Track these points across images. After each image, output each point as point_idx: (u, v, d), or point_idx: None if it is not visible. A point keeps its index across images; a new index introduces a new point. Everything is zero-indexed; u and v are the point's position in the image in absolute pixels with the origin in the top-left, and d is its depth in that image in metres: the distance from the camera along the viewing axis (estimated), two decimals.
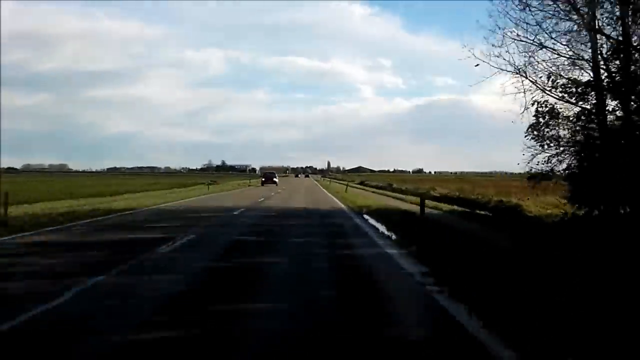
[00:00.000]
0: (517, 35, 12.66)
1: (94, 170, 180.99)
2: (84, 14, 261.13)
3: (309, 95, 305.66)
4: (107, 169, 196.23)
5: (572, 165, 12.47)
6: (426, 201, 15.77)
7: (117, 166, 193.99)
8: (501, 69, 13.05)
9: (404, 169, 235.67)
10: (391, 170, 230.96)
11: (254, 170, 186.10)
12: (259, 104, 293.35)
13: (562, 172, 12.70)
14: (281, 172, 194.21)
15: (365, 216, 16.81)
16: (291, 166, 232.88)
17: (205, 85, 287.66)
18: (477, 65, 13.15)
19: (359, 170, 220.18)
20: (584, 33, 12.02)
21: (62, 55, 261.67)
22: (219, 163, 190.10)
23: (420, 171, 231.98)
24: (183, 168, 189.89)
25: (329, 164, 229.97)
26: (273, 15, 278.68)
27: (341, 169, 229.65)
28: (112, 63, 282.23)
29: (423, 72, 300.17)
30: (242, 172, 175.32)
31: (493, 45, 12.85)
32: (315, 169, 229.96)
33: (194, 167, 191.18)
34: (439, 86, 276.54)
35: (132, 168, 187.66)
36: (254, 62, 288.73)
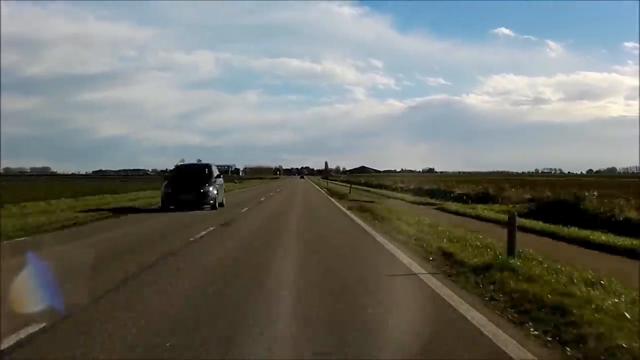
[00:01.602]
0: None
1: (79, 173, 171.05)
2: (72, 16, 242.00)
3: (302, 97, 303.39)
4: (93, 171, 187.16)
5: None
6: None
7: (104, 169, 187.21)
8: None
9: (412, 169, 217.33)
10: (398, 170, 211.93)
11: (237, 171, 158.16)
12: (252, 105, 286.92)
13: None
14: (269, 173, 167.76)
15: None
16: (283, 167, 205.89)
17: (196, 88, 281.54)
18: None
19: (362, 170, 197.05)
20: None
21: (51, 59, 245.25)
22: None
23: (431, 171, 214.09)
24: (152, 170, 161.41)
25: (326, 164, 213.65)
26: (262, 16, 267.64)
27: (341, 169, 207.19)
28: (103, 66, 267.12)
29: (415, 73, 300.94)
30: (223, 173, 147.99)
31: None
32: (313, 169, 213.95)
33: (164, 169, 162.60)
34: (431, 86, 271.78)
35: (118, 171, 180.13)
36: (245, 64, 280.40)
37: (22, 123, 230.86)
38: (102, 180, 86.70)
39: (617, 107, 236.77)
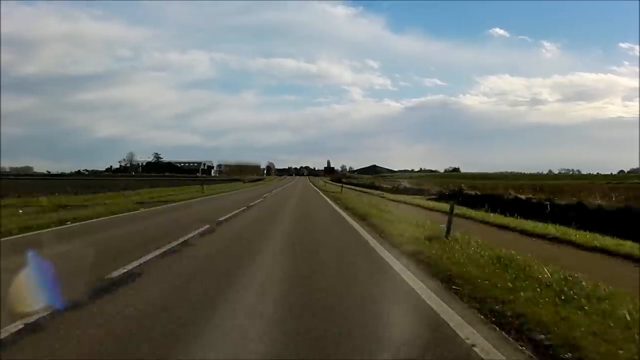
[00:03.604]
0: None
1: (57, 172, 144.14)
2: (65, 16, 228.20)
3: (299, 97, 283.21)
4: (74, 172, 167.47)
5: None
6: None
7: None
8: None
9: (433, 168, 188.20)
10: (416, 169, 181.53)
11: (209, 169, 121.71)
12: (249, 106, 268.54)
13: None
14: (256, 172, 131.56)
15: None
16: (277, 166, 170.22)
17: (193, 88, 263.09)
18: None
19: (374, 170, 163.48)
20: None
21: (44, 59, 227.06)
22: (150, 159, 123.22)
23: (455, 170, 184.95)
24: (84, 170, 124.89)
25: (329, 162, 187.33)
26: (253, 17, 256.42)
27: (348, 168, 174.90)
28: (97, 66, 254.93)
29: (411, 73, 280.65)
30: (189, 172, 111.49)
31: None
32: (314, 169, 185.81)
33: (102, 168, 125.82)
34: (428, 87, 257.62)
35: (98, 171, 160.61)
36: (240, 64, 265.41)
37: (16, 123, 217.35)
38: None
39: (614, 108, 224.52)
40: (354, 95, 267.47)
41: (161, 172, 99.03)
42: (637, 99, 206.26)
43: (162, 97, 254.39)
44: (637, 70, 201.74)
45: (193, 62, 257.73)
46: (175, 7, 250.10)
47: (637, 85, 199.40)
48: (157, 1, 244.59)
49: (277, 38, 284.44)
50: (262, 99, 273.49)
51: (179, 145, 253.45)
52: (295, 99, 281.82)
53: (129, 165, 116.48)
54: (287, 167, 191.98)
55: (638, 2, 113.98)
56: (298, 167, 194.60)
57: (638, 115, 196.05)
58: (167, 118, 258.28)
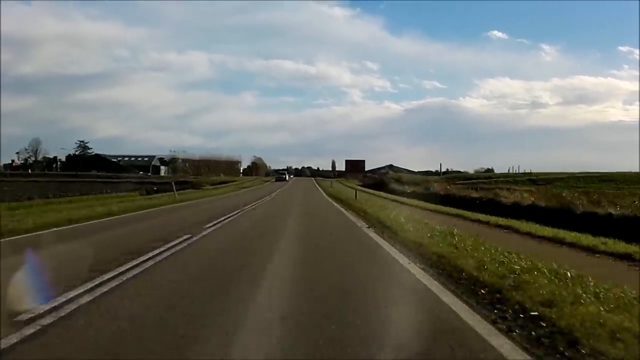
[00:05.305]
0: None
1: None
2: (60, 16, 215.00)
3: (298, 99, 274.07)
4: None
5: None
6: None
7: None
8: None
9: (460, 169, 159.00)
10: (443, 170, 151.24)
11: (157, 167, 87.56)
12: (248, 107, 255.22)
13: None
14: (227, 171, 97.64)
15: None
16: (272, 167, 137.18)
17: (192, 89, 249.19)
18: None
19: (390, 170, 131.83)
20: None
21: (42, 58, 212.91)
22: (75, 150, 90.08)
23: (489, 171, 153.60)
24: None
25: (333, 162, 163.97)
26: (251, 17, 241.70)
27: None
28: (95, 66, 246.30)
29: (410, 76, 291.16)
30: (126, 171, 78.93)
31: None
32: (318, 169, 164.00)
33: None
34: (427, 89, 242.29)
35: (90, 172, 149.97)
36: (239, 65, 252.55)
37: (15, 123, 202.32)
38: None
39: (615, 112, 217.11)
40: (354, 97, 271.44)
41: (87, 170, 67.36)
42: (637, 102, 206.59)
43: (161, 97, 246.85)
44: (637, 74, 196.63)
45: (191, 63, 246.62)
46: (172, 7, 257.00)
47: (637, 89, 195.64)
48: (154, 1, 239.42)
49: (275, 39, 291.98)
50: (261, 100, 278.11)
51: (179, 146, 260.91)
52: (294, 101, 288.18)
53: (34, 160, 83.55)
54: (285, 167, 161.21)
55: (638, 5, 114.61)
56: (299, 168, 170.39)
57: (638, 119, 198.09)
58: (167, 118, 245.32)
